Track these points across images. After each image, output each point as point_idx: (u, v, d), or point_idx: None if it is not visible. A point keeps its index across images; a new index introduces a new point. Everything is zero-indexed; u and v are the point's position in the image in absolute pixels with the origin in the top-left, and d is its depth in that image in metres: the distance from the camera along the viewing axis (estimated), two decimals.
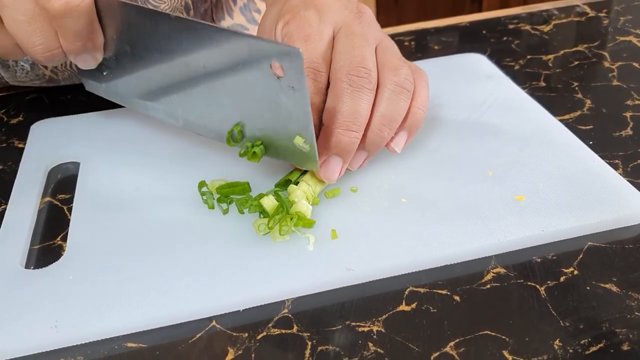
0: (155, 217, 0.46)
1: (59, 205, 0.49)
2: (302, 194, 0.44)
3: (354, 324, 0.38)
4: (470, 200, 0.45)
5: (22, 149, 0.55)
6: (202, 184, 0.47)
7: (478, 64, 0.62)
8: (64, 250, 0.44)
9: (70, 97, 0.65)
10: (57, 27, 0.44)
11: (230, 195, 0.46)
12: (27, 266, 0.43)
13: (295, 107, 0.41)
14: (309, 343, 0.37)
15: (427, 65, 0.62)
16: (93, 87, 0.53)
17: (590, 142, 0.52)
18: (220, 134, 0.47)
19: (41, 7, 0.43)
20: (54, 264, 0.42)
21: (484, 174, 0.48)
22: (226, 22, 0.75)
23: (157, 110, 0.50)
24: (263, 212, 0.44)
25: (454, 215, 0.44)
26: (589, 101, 0.58)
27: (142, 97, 0.51)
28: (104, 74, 0.51)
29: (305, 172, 0.47)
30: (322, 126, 0.45)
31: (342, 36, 0.45)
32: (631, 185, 0.46)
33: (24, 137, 0.57)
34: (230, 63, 0.42)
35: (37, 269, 0.42)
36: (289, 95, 0.41)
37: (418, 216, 0.44)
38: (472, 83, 0.59)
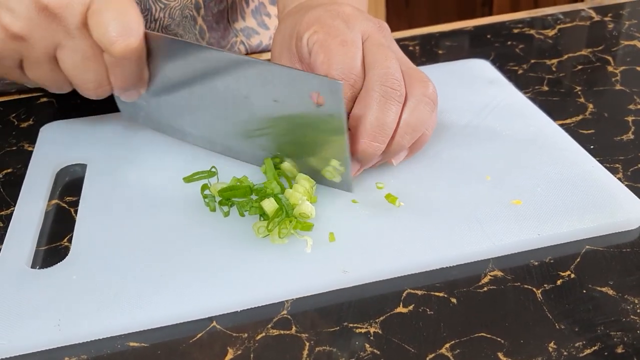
0: (159, 219, 0.47)
1: (66, 207, 0.50)
2: (302, 196, 0.45)
3: (351, 325, 0.39)
4: (468, 204, 0.45)
5: (32, 152, 0.56)
6: (204, 186, 0.48)
7: (481, 69, 0.63)
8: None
9: (80, 101, 0.65)
10: (113, 66, 0.46)
11: (232, 198, 0.47)
12: (33, 266, 0.44)
13: (332, 133, 0.43)
14: (307, 344, 0.38)
15: (430, 70, 0.62)
16: (130, 114, 0.55)
17: (592, 147, 0.52)
18: (258, 159, 0.50)
19: (98, 49, 0.45)
20: (58, 264, 0.43)
21: (482, 178, 0.48)
22: (239, 24, 0.76)
23: (197, 138, 0.52)
24: (263, 215, 0.45)
25: (451, 218, 0.44)
26: (591, 105, 0.58)
27: (181, 125, 0.52)
28: (144, 103, 0.52)
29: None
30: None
31: (371, 46, 0.46)
32: (629, 190, 0.46)
33: (33, 141, 0.58)
34: (274, 93, 0.44)
35: (42, 269, 0.43)
36: (328, 122, 0.43)
37: (416, 220, 0.45)
38: (474, 88, 0.59)
